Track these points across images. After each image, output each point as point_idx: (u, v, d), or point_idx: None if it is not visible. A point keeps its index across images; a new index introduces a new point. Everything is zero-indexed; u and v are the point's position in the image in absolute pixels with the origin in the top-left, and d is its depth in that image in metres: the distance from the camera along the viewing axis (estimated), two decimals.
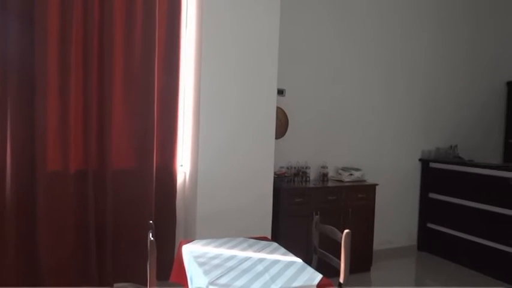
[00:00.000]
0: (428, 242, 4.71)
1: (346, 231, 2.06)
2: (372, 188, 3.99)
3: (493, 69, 5.29)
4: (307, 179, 3.88)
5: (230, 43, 3.15)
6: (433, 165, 4.68)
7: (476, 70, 5.15)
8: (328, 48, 4.18)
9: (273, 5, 3.31)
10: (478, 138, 5.18)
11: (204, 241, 2.42)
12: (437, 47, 4.84)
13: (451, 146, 4.81)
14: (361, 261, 3.91)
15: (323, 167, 4.03)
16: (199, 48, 3.12)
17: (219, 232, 2.89)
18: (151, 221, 2.23)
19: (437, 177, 4.63)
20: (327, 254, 2.36)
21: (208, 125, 3.11)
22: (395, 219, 4.61)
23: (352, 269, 3.48)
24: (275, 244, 2.43)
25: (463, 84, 5.05)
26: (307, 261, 2.30)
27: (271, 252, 2.27)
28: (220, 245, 2.34)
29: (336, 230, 2.23)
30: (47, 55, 2.78)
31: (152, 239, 1.90)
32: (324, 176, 4.00)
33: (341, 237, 2.09)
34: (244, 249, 2.29)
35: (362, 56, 4.37)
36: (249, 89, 3.23)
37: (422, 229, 4.75)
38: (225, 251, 2.24)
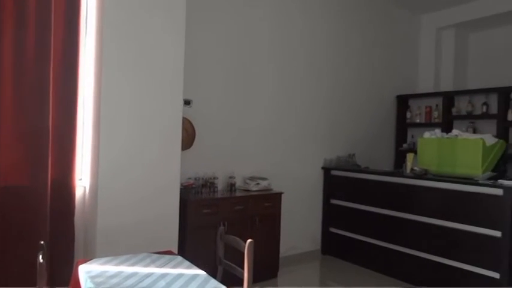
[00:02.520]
0: (331, 245, 4.98)
1: (248, 241, 2.09)
2: (278, 196, 4.12)
3: (384, 85, 5.82)
4: (215, 189, 3.89)
5: (133, 52, 3.06)
6: (334, 172, 4.98)
7: (370, 85, 5.62)
8: (236, 59, 4.26)
9: (178, 14, 3.28)
10: (373, 146, 5.64)
11: (104, 259, 2.29)
12: (338, 65, 5.20)
13: (349, 155, 5.16)
14: (268, 269, 4.02)
15: (231, 177, 4.07)
16: (99, 56, 2.98)
17: (122, 249, 2.77)
18: (42, 242, 2.05)
19: (338, 184, 4.93)
20: (231, 264, 2.38)
21: (110, 136, 2.97)
22: (301, 225, 4.82)
23: (259, 277, 3.58)
24: (179, 258, 2.39)
25: (360, 99, 5.48)
26: (213, 273, 2.30)
27: (175, 266, 2.22)
28: (121, 263, 2.24)
29: (239, 240, 2.26)
30: None
31: (42, 261, 1.76)
32: (231, 186, 4.04)
33: (244, 247, 2.12)
34: (146, 265, 2.21)
35: (268, 68, 4.52)
36: (153, 100, 3.15)
37: (325, 234, 5.02)
38: (126, 269, 2.14)
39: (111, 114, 2.97)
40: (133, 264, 2.22)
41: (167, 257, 2.40)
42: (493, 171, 3.86)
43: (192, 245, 3.47)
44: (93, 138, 3.04)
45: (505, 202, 3.39)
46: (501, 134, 4.86)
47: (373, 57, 5.63)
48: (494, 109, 5.13)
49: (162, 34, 3.19)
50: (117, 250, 2.73)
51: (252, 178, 4.18)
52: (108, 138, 2.96)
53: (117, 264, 2.21)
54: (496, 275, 3.41)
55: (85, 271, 2.10)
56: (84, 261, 2.27)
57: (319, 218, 5.06)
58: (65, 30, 2.92)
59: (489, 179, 3.72)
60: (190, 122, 3.82)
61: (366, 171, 4.73)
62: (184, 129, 3.58)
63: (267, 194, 4.07)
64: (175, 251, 3.17)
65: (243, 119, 4.33)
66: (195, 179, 3.82)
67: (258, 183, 4.10)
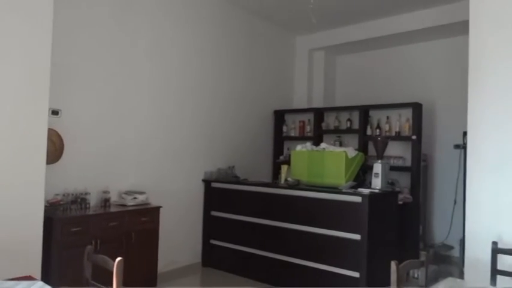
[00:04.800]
0: (211, 257, 5.01)
1: (117, 259, 2.00)
2: (156, 210, 4.02)
3: (263, 100, 6.11)
4: (87, 205, 3.64)
5: None
6: (214, 185, 5.04)
7: (250, 101, 5.86)
8: (112, 69, 4.08)
9: (45, 19, 3.03)
10: (252, 159, 5.85)
11: None
12: (217, 79, 5.31)
13: (229, 167, 5.29)
14: (146, 286, 3.87)
15: (105, 192, 3.86)
16: None
17: None
18: None
19: (218, 196, 5.00)
20: (100, 286, 2.24)
21: None
22: (181, 239, 4.76)
23: None
24: (40, 283, 2.17)
25: (240, 113, 5.66)
26: None
27: None
28: None
29: (107, 259, 2.15)
30: None
31: None
32: (105, 202, 3.83)
33: (113, 266, 2.02)
34: None
35: (147, 79, 4.43)
36: (13, 109, 2.85)
37: (206, 246, 5.04)
38: None
39: None
40: None
41: (25, 283, 2.16)
42: (354, 180, 4.29)
43: (59, 267, 3.19)
44: None
45: (363, 208, 3.79)
46: (362, 147, 5.45)
47: (252, 74, 5.88)
48: (356, 125, 5.73)
49: (23, 38, 2.91)
50: None
51: (128, 192, 4.02)
52: None
53: None
54: (357, 275, 3.78)
55: None
56: None
57: (199, 231, 5.06)
58: None
59: (351, 187, 4.13)
60: (58, 134, 3.53)
61: (245, 182, 4.88)
62: (50, 141, 3.31)
63: (144, 208, 3.94)
64: (38, 275, 2.88)
65: (118, 131, 4.15)
66: (64, 195, 3.54)
67: (135, 198, 3.95)
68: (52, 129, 3.38)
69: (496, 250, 2.82)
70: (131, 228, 3.74)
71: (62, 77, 3.60)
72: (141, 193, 4.05)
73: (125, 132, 4.21)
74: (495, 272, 2.81)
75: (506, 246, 2.86)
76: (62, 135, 3.57)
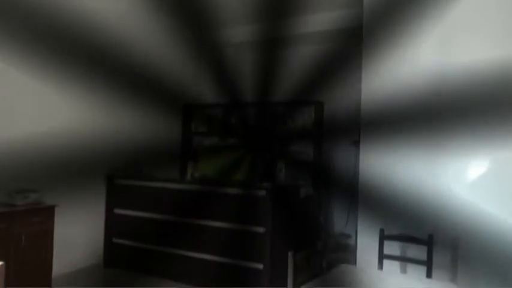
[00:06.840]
0: (114, 257, 4.79)
1: None
2: (51, 209, 3.74)
3: (173, 94, 5.97)
4: None
5: None
6: (118, 181, 4.82)
7: (159, 94, 5.68)
8: None
9: None
10: (158, 154, 5.69)
11: None
12: None
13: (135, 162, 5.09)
14: None
15: None
16: None
17: None
18: None
19: (123, 192, 4.80)
20: None
21: None
22: (80, 239, 4.50)
23: None
24: None
25: (146, 107, 5.47)
26: None
27: None
28: None
29: None
30: None
31: None
32: None
33: None
34: None
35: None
36: None
37: (108, 245, 4.81)
38: None
39: None
40: None
41: None
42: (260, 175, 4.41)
43: None
44: None
45: (268, 201, 3.91)
46: None
47: (162, 67, 5.71)
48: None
49: None
50: None
51: (19, 191, 3.67)
52: None
53: None
54: (260, 266, 3.89)
55: None
56: None
57: (101, 230, 4.81)
58: None
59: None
60: None
61: (151, 178, 4.74)
62: None
63: (36, 208, 3.64)
64: None
65: (2, 122, 3.77)
66: None
67: (26, 197, 3.63)
68: None
69: (383, 237, 3.10)
70: (21, 230, 3.44)
71: None
72: (34, 191, 3.73)
73: (9, 124, 3.83)
74: (382, 256, 3.10)
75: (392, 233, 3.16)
76: None
